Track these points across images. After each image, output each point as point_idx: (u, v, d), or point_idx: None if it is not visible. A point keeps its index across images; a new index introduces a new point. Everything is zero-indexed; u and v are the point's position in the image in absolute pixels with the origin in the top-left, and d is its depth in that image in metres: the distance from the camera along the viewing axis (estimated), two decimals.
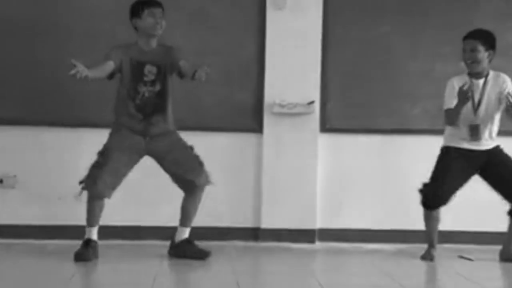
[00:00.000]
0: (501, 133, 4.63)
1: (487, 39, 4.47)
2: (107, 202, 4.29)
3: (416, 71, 5.20)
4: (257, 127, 5.11)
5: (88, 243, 4.26)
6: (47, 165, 4.98)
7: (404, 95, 5.21)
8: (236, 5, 5.08)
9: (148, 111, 4.32)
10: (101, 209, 4.27)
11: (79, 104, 4.96)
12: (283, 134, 5.08)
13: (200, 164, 4.38)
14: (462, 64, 4.63)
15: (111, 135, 4.33)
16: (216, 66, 4.35)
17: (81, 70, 3.93)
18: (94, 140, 4.89)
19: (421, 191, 4.58)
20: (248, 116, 5.10)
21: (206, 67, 4.04)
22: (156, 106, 4.33)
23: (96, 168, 4.23)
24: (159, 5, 4.31)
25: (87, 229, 4.30)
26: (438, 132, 4.88)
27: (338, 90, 5.17)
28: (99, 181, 4.19)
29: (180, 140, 4.39)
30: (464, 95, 4.28)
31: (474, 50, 4.44)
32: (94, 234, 4.30)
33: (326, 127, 5.16)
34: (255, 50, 5.11)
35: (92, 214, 4.27)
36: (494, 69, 4.59)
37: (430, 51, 5.21)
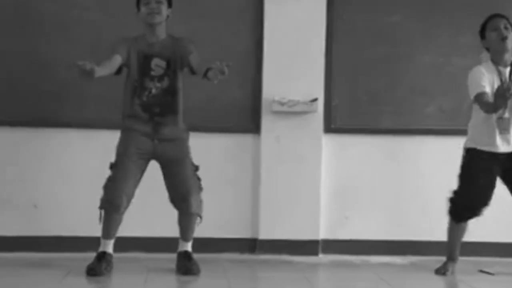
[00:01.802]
0: None
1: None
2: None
3: (431, 65, 5.23)
4: (254, 127, 5.13)
5: (102, 256, 4.33)
6: (21, 169, 4.98)
7: (418, 92, 5.23)
8: None
9: (155, 111, 4.37)
10: (119, 222, 4.35)
11: (55, 103, 4.97)
12: (283, 135, 5.10)
13: (199, 188, 4.43)
14: (482, 56, 4.67)
15: (119, 142, 4.40)
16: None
17: (89, 66, 3.96)
18: (72, 142, 5.01)
19: (451, 200, 4.60)
20: (244, 115, 5.12)
21: (223, 64, 4.02)
22: (164, 105, 4.38)
23: (111, 182, 4.30)
24: None
25: (102, 242, 4.37)
26: (455, 132, 4.93)
27: (344, 86, 5.19)
28: (115, 196, 4.26)
29: (189, 155, 4.44)
30: (505, 93, 4.21)
31: (507, 28, 4.51)
32: (109, 247, 4.36)
33: (330, 127, 5.18)
34: (252, 42, 5.13)
35: (109, 227, 4.34)
36: None
37: (446, 42, 5.24)
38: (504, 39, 4.50)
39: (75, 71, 4.00)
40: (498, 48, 4.53)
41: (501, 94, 4.22)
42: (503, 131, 4.51)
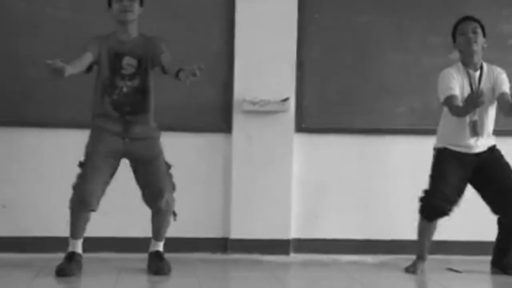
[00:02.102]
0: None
1: (482, 25, 4.63)
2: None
3: (401, 65, 5.28)
4: (225, 127, 5.15)
5: (72, 256, 4.33)
6: None
7: (388, 91, 5.29)
8: None
9: (126, 110, 4.38)
10: (86, 221, 4.35)
11: (26, 102, 4.97)
12: (254, 134, 5.13)
13: (173, 186, 4.45)
14: (452, 55, 4.75)
15: (89, 141, 4.40)
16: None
17: (59, 65, 3.96)
18: (44, 142, 5.00)
19: (422, 199, 4.66)
20: (215, 115, 5.14)
21: (195, 67, 4.03)
22: (135, 104, 4.39)
23: (81, 181, 4.30)
24: None
25: (71, 242, 4.37)
26: (425, 132, 4.98)
27: (315, 86, 5.23)
28: (85, 195, 4.26)
29: (161, 153, 4.46)
30: (475, 101, 4.31)
31: (475, 32, 4.58)
32: (78, 247, 4.37)
33: (301, 126, 5.22)
34: (224, 41, 5.15)
35: (78, 226, 4.34)
36: (489, 61, 4.69)
37: (416, 42, 5.30)
38: (470, 43, 4.57)
39: (46, 70, 3.99)
40: (466, 51, 4.61)
41: (471, 102, 4.32)
42: (474, 134, 4.58)
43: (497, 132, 4.74)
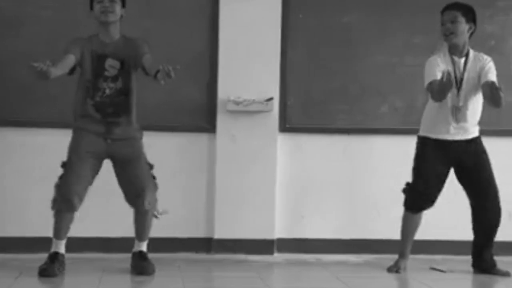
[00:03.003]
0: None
1: (468, 11, 4.63)
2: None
3: (385, 65, 5.32)
4: (209, 127, 5.16)
5: (55, 257, 4.33)
6: None
7: (372, 91, 5.32)
8: None
9: (109, 111, 4.38)
10: (70, 222, 4.36)
11: (8, 101, 4.96)
12: (239, 134, 5.15)
13: (155, 186, 4.46)
14: (439, 45, 4.77)
15: (71, 142, 4.40)
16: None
17: (45, 67, 3.96)
18: (27, 141, 5.01)
19: (404, 191, 4.70)
20: (199, 114, 5.16)
21: (169, 67, 4.03)
22: (117, 105, 4.39)
23: (62, 181, 4.30)
24: None
25: (54, 242, 4.37)
26: (409, 131, 5.00)
27: (299, 86, 5.26)
28: (68, 195, 4.26)
29: (143, 153, 4.47)
30: (445, 82, 4.31)
31: (454, 22, 4.59)
32: (61, 247, 4.37)
33: (286, 126, 5.24)
34: (207, 41, 5.17)
35: (61, 227, 4.35)
36: None
37: (399, 43, 5.33)
38: (446, 34, 4.60)
39: (30, 72, 3.99)
40: (445, 42, 4.64)
41: (441, 83, 4.31)
42: (458, 120, 4.59)
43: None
